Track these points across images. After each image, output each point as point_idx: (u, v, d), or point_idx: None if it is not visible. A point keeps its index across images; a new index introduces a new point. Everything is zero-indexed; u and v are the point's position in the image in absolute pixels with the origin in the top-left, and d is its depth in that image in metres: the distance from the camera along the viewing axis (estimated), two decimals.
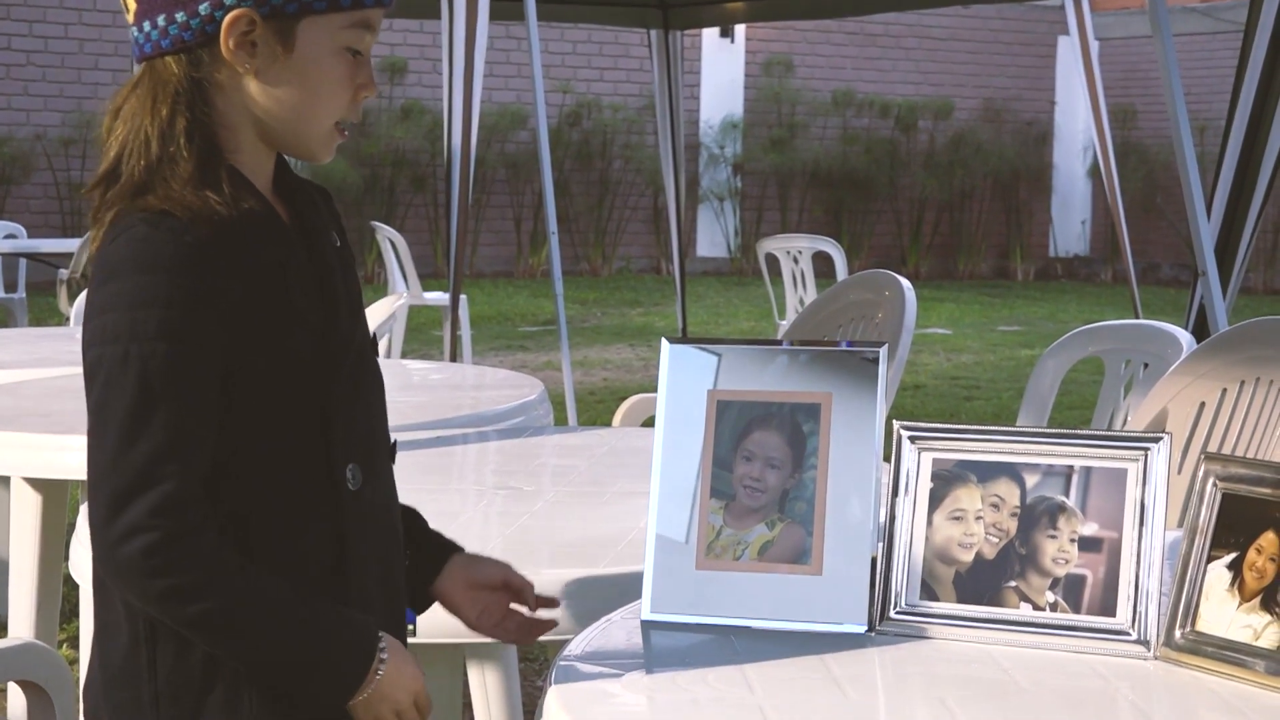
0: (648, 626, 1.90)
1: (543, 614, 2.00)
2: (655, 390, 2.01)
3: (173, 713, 1.73)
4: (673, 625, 1.89)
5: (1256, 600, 1.74)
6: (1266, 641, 1.71)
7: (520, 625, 1.99)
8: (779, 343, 2.00)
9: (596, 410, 8.60)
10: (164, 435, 1.65)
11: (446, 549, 2.01)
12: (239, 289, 1.70)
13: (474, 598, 1.98)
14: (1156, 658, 1.77)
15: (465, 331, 8.57)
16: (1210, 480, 1.81)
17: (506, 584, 1.99)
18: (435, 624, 2.08)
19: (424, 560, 1.99)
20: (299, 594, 1.72)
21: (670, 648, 1.85)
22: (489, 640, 2.01)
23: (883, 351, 1.94)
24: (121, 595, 1.73)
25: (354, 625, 1.75)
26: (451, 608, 2.00)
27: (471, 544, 2.05)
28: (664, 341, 1.99)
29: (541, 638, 2.02)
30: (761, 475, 1.94)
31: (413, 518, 2.03)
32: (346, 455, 1.79)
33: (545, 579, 2.11)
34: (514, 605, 1.99)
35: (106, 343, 1.67)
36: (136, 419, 1.65)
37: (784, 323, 9.31)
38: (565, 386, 6.94)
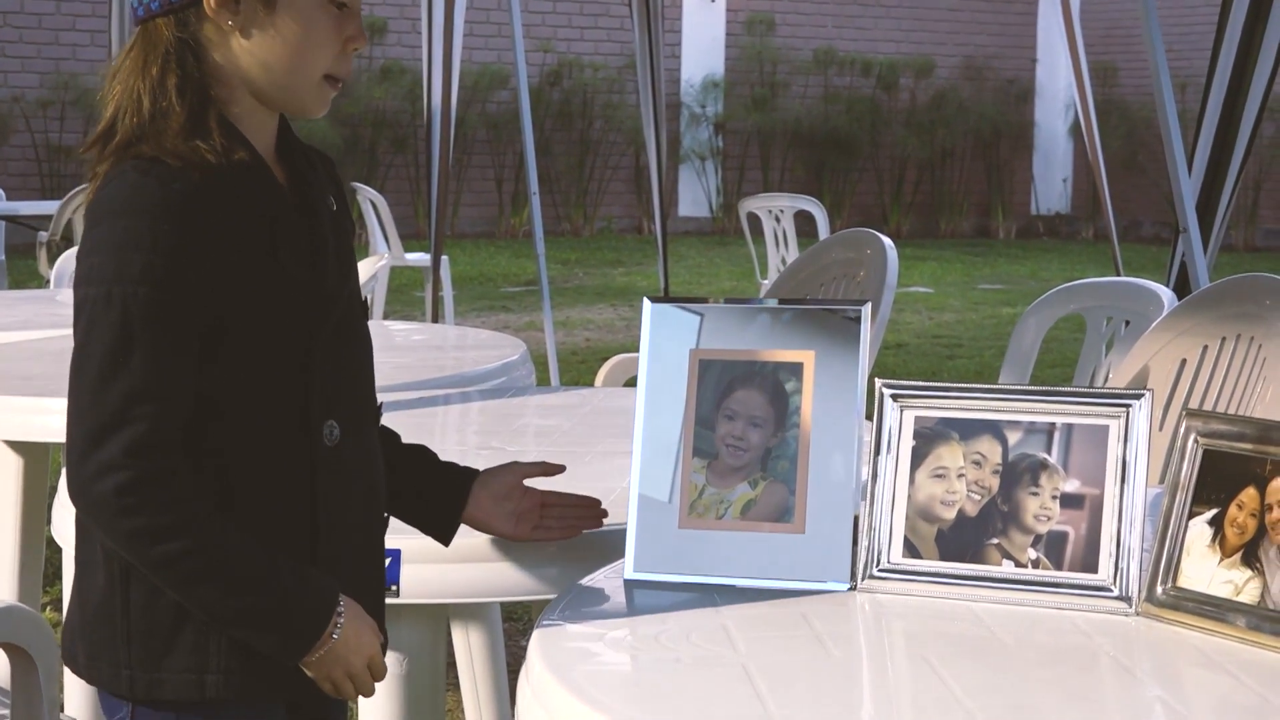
0: (631, 585, 1.90)
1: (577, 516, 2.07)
2: (637, 350, 2.01)
3: (143, 653, 1.75)
4: (656, 584, 1.90)
5: (1237, 556, 1.74)
6: (1247, 596, 1.72)
7: (561, 519, 2.05)
8: (761, 302, 2.00)
9: (579, 370, 8.60)
10: (142, 376, 1.67)
11: (466, 475, 2.04)
12: (225, 237, 1.71)
13: (502, 510, 2.03)
14: (1138, 613, 1.78)
15: (447, 292, 8.55)
16: (1191, 436, 1.81)
17: (523, 479, 2.04)
18: (418, 584, 2.09)
19: (446, 492, 2.03)
20: (264, 549, 1.74)
21: (653, 607, 1.85)
22: (472, 600, 2.02)
23: (865, 310, 1.94)
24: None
25: (313, 586, 1.76)
26: (486, 528, 2.05)
27: None
28: (646, 301, 1.99)
29: (528, 597, 2.04)
30: (744, 434, 1.94)
31: (423, 454, 2.05)
32: (325, 412, 1.80)
33: (523, 545, 2.12)
34: (546, 502, 2.05)
35: (92, 284, 1.69)
36: (115, 358, 1.68)
37: (766, 282, 9.32)
38: (547, 347, 6.94)
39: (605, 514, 2.05)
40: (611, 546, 2.05)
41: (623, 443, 2.67)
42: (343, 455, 1.82)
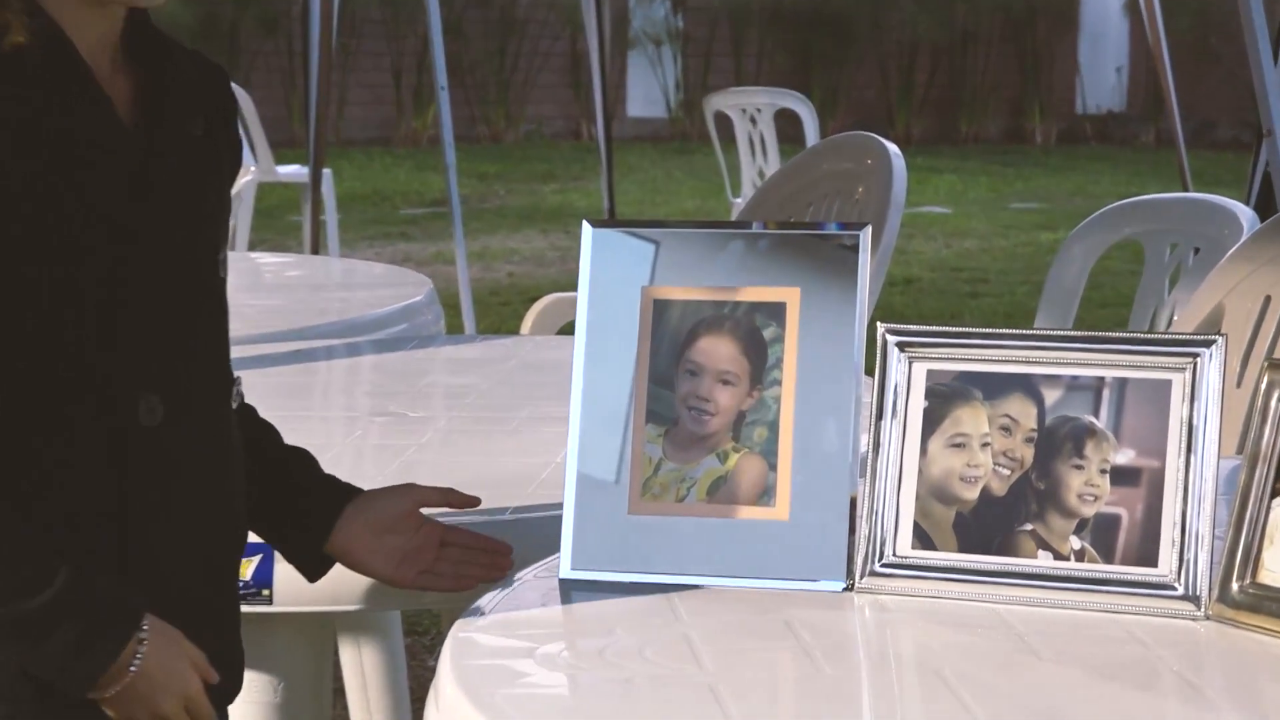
0: (568, 587, 1.91)
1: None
2: (575, 288, 2.01)
3: None
4: (600, 585, 1.90)
5: None
6: None
7: (459, 563, 2.03)
8: (733, 226, 2.00)
9: (501, 314, 8.60)
10: None
11: (337, 497, 2.03)
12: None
13: (382, 545, 2.01)
14: (1209, 617, 1.80)
15: (331, 216, 8.52)
16: (1276, 393, 1.83)
17: (418, 509, 2.02)
18: (296, 588, 2.08)
19: (313, 514, 2.01)
20: (41, 548, 1.72)
21: (597, 614, 1.85)
22: (365, 609, 2.02)
23: (864, 235, 1.94)
24: None
25: (103, 600, 1.73)
26: (358, 566, 2.02)
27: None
28: (586, 225, 1.99)
29: (435, 603, 2.04)
30: (711, 394, 1.94)
31: (301, 461, 2.04)
32: (140, 383, 1.79)
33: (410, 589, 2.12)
34: (445, 540, 2.03)
35: None
36: None
37: (739, 201, 9.32)
38: (460, 284, 6.93)
39: (511, 564, 2.03)
40: (543, 538, 2.06)
41: (557, 406, 2.66)
42: (166, 439, 1.81)
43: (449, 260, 9.85)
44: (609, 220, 2.14)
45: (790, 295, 1.95)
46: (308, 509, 2.02)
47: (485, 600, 1.87)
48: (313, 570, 2.03)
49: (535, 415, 2.74)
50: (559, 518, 1.94)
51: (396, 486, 2.06)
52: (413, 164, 15.02)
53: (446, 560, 2.03)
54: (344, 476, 2.06)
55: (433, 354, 3.30)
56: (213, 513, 1.89)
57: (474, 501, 2.06)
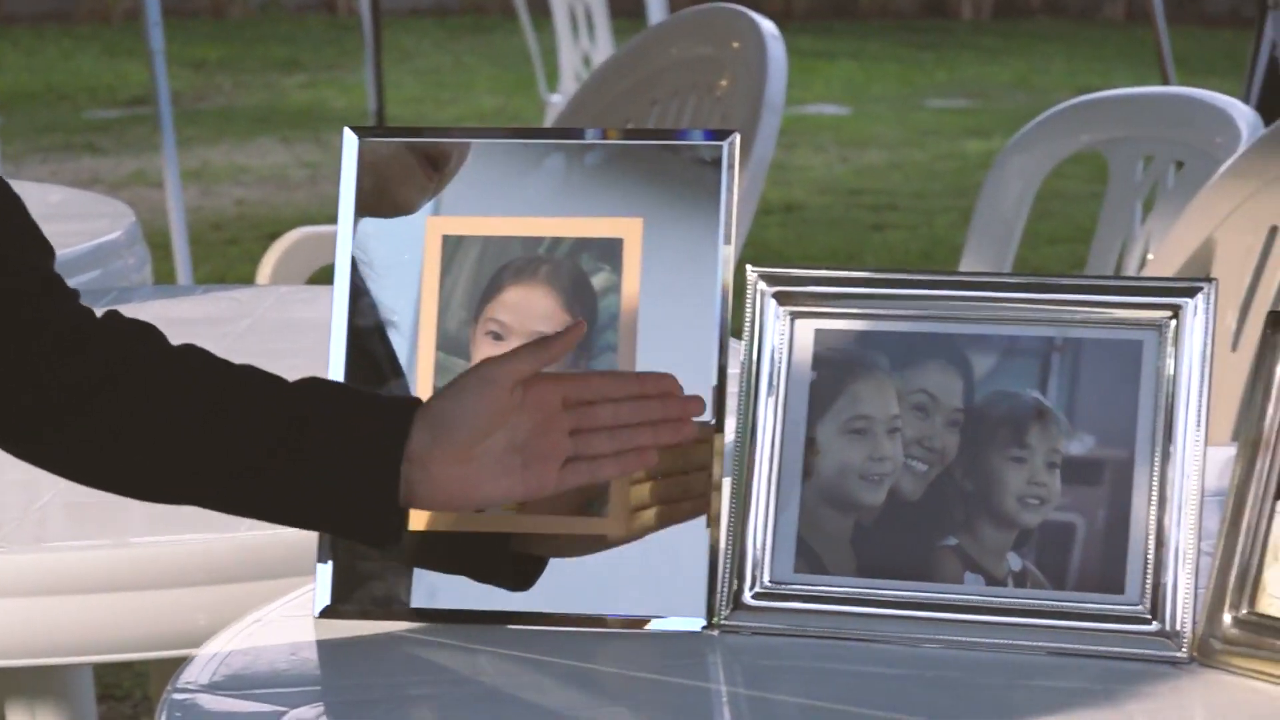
0: (326, 628, 1.91)
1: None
2: (331, 220, 2.01)
3: None
4: (368, 626, 1.91)
5: None
6: None
7: (614, 432, 1.90)
8: (550, 134, 2.01)
9: (228, 257, 8.55)
10: None
11: (399, 411, 1.89)
12: None
13: (487, 460, 1.87)
14: (1193, 659, 1.83)
15: None
16: None
17: (514, 388, 1.87)
18: None
19: (371, 451, 1.88)
20: None
21: (365, 666, 1.86)
22: (45, 661, 2.01)
23: (728, 146, 1.96)
24: None
25: None
26: (463, 500, 1.89)
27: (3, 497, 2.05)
28: (347, 133, 2.00)
29: (144, 654, 2.03)
30: None
31: (309, 393, 1.92)
32: None
33: (136, 555, 2.12)
34: (571, 399, 1.89)
35: None
36: None
37: (557, 98, 9.29)
38: (171, 216, 6.87)
39: (701, 407, 1.93)
40: (289, 564, 2.06)
41: None
42: None
43: (154, 182, 9.76)
44: (378, 127, 2.14)
45: (629, 229, 1.96)
46: (358, 448, 1.88)
47: (210, 647, 1.87)
48: (385, 529, 1.89)
49: None
50: (311, 535, 1.94)
51: (458, 381, 1.90)
52: (101, 48, 14.86)
53: (591, 429, 1.91)
54: (9, 492, 2.05)
55: (135, 310, 3.28)
56: None
57: (577, 333, 1.92)
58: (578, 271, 1.96)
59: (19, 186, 1.94)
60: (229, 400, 1.88)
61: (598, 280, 1.95)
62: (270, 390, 1.90)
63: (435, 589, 1.93)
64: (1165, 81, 6.92)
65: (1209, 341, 1.88)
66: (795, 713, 1.80)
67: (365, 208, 1.99)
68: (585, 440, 1.89)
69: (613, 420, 1.89)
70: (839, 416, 1.92)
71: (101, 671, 4.00)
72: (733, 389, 1.94)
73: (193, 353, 1.90)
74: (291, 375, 2.74)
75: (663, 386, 1.91)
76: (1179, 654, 1.83)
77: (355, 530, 1.90)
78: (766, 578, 1.91)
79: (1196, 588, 1.84)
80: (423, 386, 1.96)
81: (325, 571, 1.93)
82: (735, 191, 1.95)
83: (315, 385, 1.91)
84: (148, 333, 1.91)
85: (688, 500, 1.92)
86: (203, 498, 1.89)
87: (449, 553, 1.94)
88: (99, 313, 1.90)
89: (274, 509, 1.90)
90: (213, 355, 1.91)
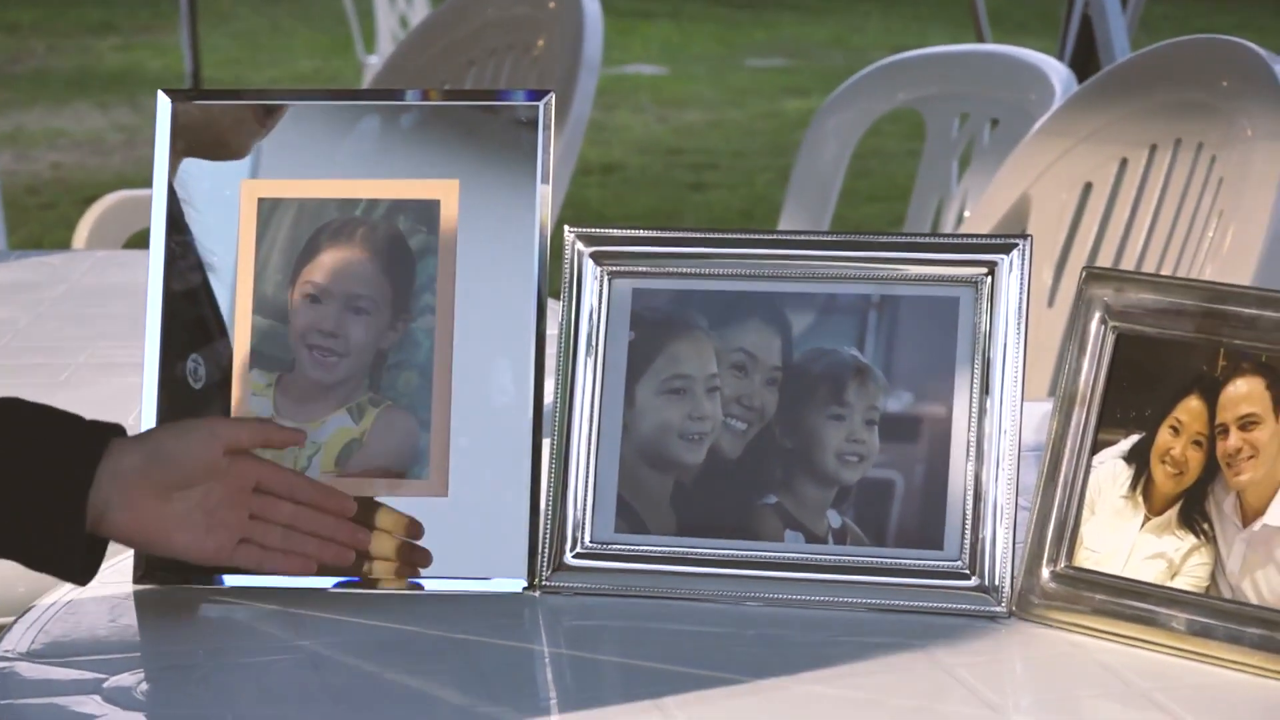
0: (147, 595, 1.91)
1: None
2: (147, 184, 2.00)
3: None
4: (190, 591, 1.91)
5: (1172, 512, 1.81)
6: (1188, 580, 1.79)
7: (287, 535, 1.93)
8: (366, 95, 2.00)
9: (43, 222, 8.47)
10: None
11: (94, 442, 1.91)
12: None
13: (176, 510, 1.89)
14: (1012, 614, 1.85)
15: None
16: (1097, 314, 1.87)
17: (224, 453, 1.90)
18: None
19: (61, 480, 1.89)
20: None
21: (188, 631, 1.86)
22: None
23: (545, 106, 1.96)
24: None
25: None
26: (149, 545, 1.92)
27: None
28: (161, 96, 1.99)
29: None
30: (339, 327, 1.95)
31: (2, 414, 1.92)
32: None
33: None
34: (262, 486, 1.93)
35: None
36: None
37: (373, 59, 9.27)
38: None
39: (366, 541, 1.97)
40: None
41: (126, 349, 2.66)
42: None
43: None
44: (193, 90, 2.13)
45: (446, 190, 1.96)
46: (50, 476, 1.89)
47: (29, 616, 1.86)
48: (78, 566, 1.90)
49: (95, 361, 2.72)
50: None
51: (185, 424, 1.95)
52: None
53: (270, 523, 1.94)
54: None
55: None
56: None
57: (298, 437, 1.98)
58: (395, 233, 1.96)
59: None
60: None
61: (415, 242, 1.95)
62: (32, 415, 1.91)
63: (263, 557, 1.92)
64: (980, 40, 6.96)
65: (1025, 298, 1.90)
66: (617, 672, 1.80)
67: (194, 151, 1.98)
68: (262, 529, 1.93)
69: (289, 520, 1.94)
70: (657, 376, 1.93)
71: None
72: (551, 350, 1.94)
73: None
74: (105, 341, 2.73)
75: (342, 508, 1.96)
76: (998, 608, 1.85)
77: (43, 555, 1.89)
78: (587, 538, 1.92)
79: (1015, 542, 1.86)
80: (240, 349, 1.95)
81: None
82: (552, 152, 1.96)
83: (13, 406, 1.91)
84: None
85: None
86: None
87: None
88: None
89: None
90: None
